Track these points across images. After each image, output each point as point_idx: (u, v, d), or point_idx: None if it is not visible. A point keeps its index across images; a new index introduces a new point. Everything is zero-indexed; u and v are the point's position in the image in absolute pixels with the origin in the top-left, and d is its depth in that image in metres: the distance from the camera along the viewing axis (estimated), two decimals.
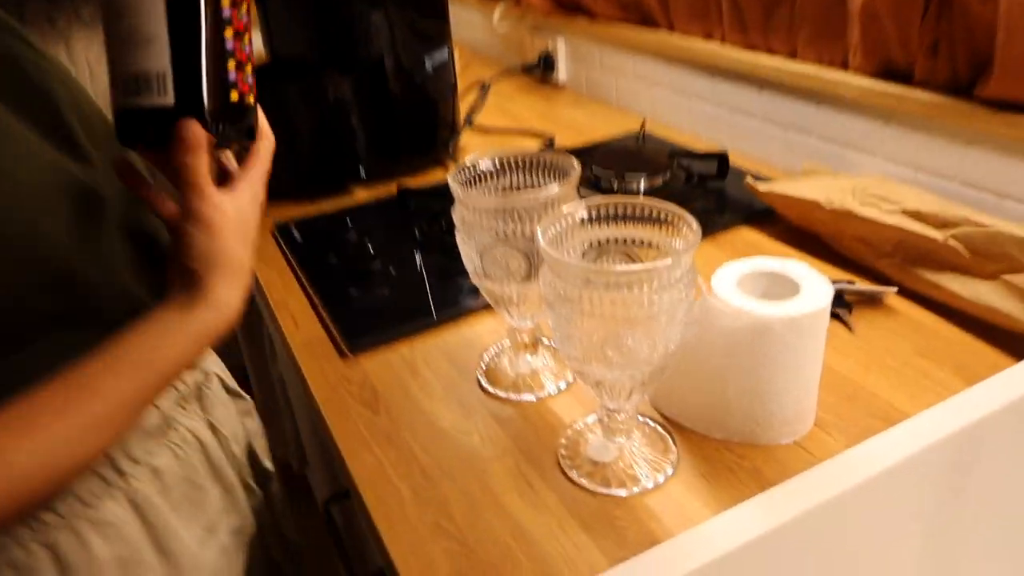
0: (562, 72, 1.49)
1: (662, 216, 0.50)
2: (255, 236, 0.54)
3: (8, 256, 0.46)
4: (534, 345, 0.67)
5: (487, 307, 0.76)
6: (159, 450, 0.62)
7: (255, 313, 1.05)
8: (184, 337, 0.49)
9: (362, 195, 1.08)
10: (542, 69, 1.51)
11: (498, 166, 0.62)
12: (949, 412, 0.57)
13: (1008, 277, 0.65)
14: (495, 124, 1.30)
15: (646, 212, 0.51)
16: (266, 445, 0.77)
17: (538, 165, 0.62)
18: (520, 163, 0.62)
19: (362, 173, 1.09)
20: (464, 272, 0.62)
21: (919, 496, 0.57)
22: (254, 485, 0.73)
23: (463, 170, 0.60)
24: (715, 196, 0.98)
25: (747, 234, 0.89)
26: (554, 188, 0.56)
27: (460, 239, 0.60)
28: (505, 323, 0.66)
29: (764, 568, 0.50)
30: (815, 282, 0.56)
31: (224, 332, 0.51)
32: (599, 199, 0.52)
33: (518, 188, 0.62)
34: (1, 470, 0.43)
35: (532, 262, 0.58)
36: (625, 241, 0.53)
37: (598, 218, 0.52)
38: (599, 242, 0.53)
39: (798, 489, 0.52)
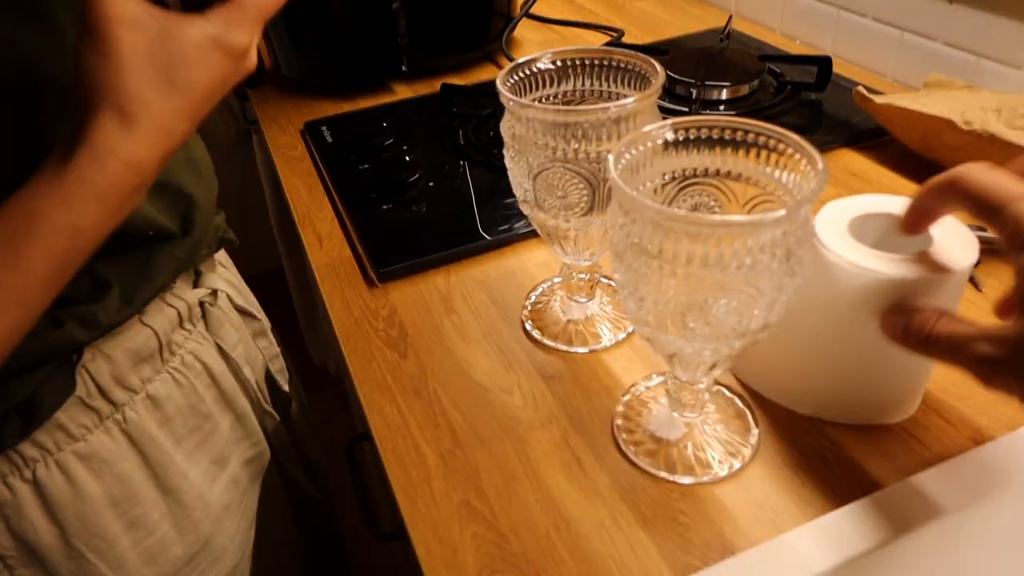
0: None
1: (777, 147, 0.38)
2: (193, 91, 0.40)
3: None
4: (591, 287, 0.56)
5: (536, 235, 0.65)
6: (157, 377, 0.55)
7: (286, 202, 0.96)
8: (62, 196, 0.37)
9: (403, 92, 0.96)
10: None
11: (559, 66, 0.50)
12: None
13: None
14: (556, 15, 1.15)
15: (754, 138, 0.39)
16: (283, 366, 0.70)
17: (610, 68, 0.49)
18: (587, 65, 0.50)
19: (404, 67, 0.96)
20: (507, 191, 0.51)
21: None
22: (271, 410, 0.67)
23: (515, 70, 0.48)
24: (811, 110, 0.83)
25: (851, 159, 0.75)
26: (630, 100, 0.44)
27: (508, 158, 0.49)
28: (558, 258, 0.55)
29: None
30: (952, 231, 0.44)
31: (118, 193, 0.38)
32: (690, 119, 0.40)
33: (583, 97, 0.50)
34: None
35: (597, 192, 0.46)
36: (719, 173, 0.41)
37: (687, 142, 0.40)
38: (686, 174, 0.41)
39: (916, 492, 0.41)
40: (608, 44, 1.02)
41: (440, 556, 0.42)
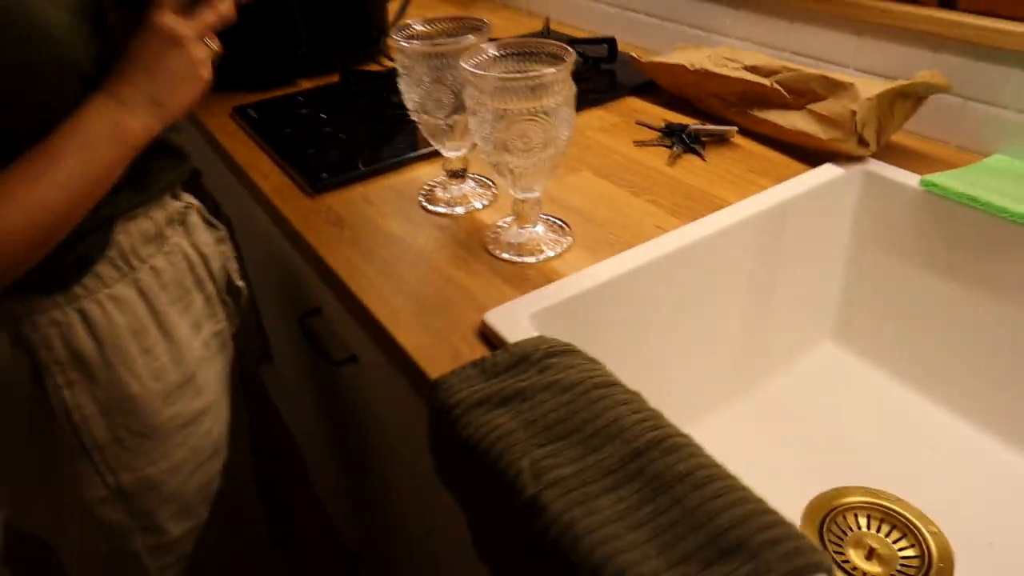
0: None
1: (553, 52, 0.70)
2: (170, 78, 0.66)
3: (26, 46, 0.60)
4: (463, 174, 0.86)
5: (421, 158, 0.95)
6: (157, 254, 0.78)
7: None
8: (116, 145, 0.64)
9: (306, 85, 1.24)
10: None
11: (427, 27, 0.80)
12: (763, 198, 0.81)
13: (811, 106, 0.87)
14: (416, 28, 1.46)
15: (542, 49, 0.70)
16: (237, 268, 0.94)
17: (458, 25, 0.80)
18: (443, 24, 0.80)
19: (304, 68, 1.24)
20: (403, 133, 0.79)
21: (744, 252, 0.80)
22: (228, 299, 0.91)
23: (404, 28, 0.78)
24: (607, 75, 1.18)
25: (633, 102, 1.10)
26: (471, 38, 0.75)
27: (402, 83, 0.78)
28: (439, 162, 0.85)
29: (631, 296, 0.72)
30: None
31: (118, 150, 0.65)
32: (506, 40, 0.71)
33: (440, 41, 0.81)
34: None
35: (458, 97, 0.76)
36: (518, 72, 0.72)
37: (505, 56, 0.72)
38: (507, 72, 0.72)
39: (655, 245, 0.74)
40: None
41: (386, 312, 0.70)
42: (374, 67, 1.29)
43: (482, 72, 0.67)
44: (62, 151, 0.62)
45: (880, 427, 0.85)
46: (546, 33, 1.34)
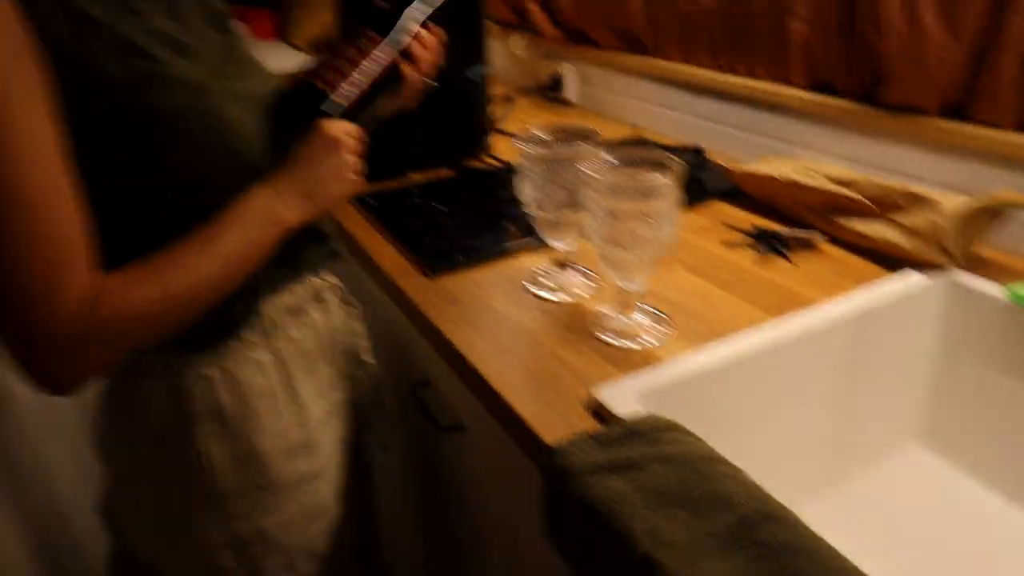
0: (570, 91, 1.80)
1: (661, 160, 0.79)
2: (323, 180, 0.78)
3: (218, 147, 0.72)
4: (569, 263, 0.95)
5: (528, 248, 1.05)
6: (295, 325, 0.87)
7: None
8: (269, 228, 0.75)
9: (416, 178, 1.37)
10: (552, 88, 1.82)
11: (543, 132, 0.91)
12: (850, 300, 0.87)
13: (894, 216, 0.94)
14: (516, 130, 1.60)
15: (652, 156, 0.80)
16: (367, 345, 1.03)
17: (572, 132, 0.91)
18: (560, 133, 0.91)
19: (416, 162, 1.38)
20: (511, 224, 0.89)
21: (832, 351, 0.85)
22: (353, 372, 1.00)
23: (526, 134, 0.89)
24: (694, 180, 1.27)
25: (720, 206, 1.18)
26: (584, 145, 0.85)
27: (520, 181, 0.88)
28: (546, 252, 0.94)
29: (725, 385, 0.78)
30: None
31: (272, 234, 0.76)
32: (620, 148, 0.81)
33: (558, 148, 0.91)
34: (162, 290, 0.68)
35: (570, 195, 0.86)
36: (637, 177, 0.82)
37: (618, 161, 0.81)
38: (619, 176, 0.82)
39: (748, 339, 0.80)
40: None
41: (499, 381, 0.77)
42: (478, 164, 1.42)
43: (599, 176, 0.77)
44: (225, 231, 0.72)
45: (967, 533, 0.86)
46: (633, 141, 1.46)
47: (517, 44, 1.90)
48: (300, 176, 0.77)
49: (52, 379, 0.62)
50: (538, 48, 1.87)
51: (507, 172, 1.31)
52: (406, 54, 0.86)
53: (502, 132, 1.58)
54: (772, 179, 1.08)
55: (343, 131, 0.79)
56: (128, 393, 0.79)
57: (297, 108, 0.79)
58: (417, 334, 0.96)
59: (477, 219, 1.15)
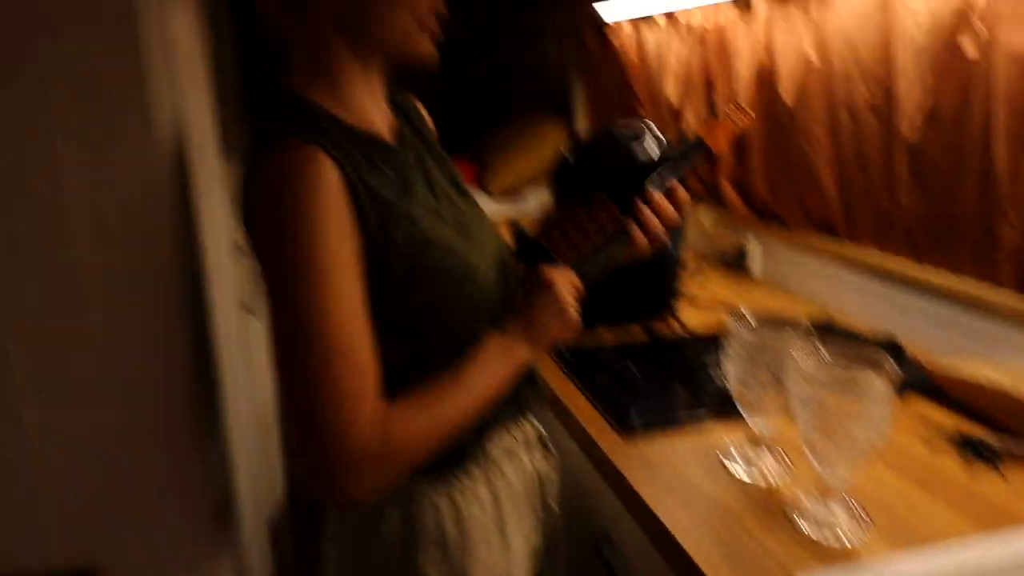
0: (755, 266, 1.86)
1: (874, 357, 0.83)
2: (547, 325, 0.87)
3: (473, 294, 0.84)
4: (764, 443, 0.98)
5: (724, 420, 1.08)
6: (510, 465, 0.95)
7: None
8: (506, 364, 0.85)
9: (607, 336, 1.46)
10: (737, 261, 1.89)
11: (752, 316, 0.97)
12: None
13: None
14: (703, 299, 1.67)
15: (864, 352, 0.84)
16: (556, 493, 1.09)
17: (778, 318, 0.96)
18: (767, 316, 0.97)
19: (607, 320, 1.47)
20: (706, 393, 0.94)
21: None
22: (544, 518, 1.06)
23: (736, 315, 0.96)
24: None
25: (919, 402, 1.17)
26: (792, 335, 0.90)
27: (727, 360, 0.94)
28: (741, 427, 0.98)
29: None
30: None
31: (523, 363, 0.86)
32: (834, 344, 0.85)
33: (763, 332, 0.97)
34: (433, 419, 0.78)
35: (775, 378, 0.90)
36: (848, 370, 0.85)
37: (830, 353, 0.85)
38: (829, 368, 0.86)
39: (958, 552, 0.78)
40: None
41: (699, 555, 0.80)
42: (666, 328, 1.49)
43: (810, 367, 0.81)
44: (474, 369, 0.83)
45: None
46: (825, 323, 1.48)
47: (706, 216, 2.01)
48: (525, 317, 0.87)
49: (345, 495, 0.73)
50: (725, 220, 1.97)
51: (695, 340, 1.37)
52: (637, 218, 0.91)
53: (689, 298, 1.66)
54: (981, 387, 1.07)
55: (560, 275, 0.89)
56: (367, 513, 0.89)
57: (525, 262, 0.90)
58: (602, 489, 1.01)
59: (669, 384, 1.21)
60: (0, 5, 0.78)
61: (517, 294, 0.90)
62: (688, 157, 0.94)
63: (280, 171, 0.71)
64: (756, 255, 1.86)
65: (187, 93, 1.10)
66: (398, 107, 0.93)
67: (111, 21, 0.83)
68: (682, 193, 0.94)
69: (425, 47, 0.82)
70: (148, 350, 0.92)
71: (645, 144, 1.36)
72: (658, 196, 0.92)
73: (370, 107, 0.84)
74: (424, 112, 1.01)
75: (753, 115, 0.94)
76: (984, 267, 1.26)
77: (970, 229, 1.26)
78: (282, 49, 0.82)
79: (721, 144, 0.93)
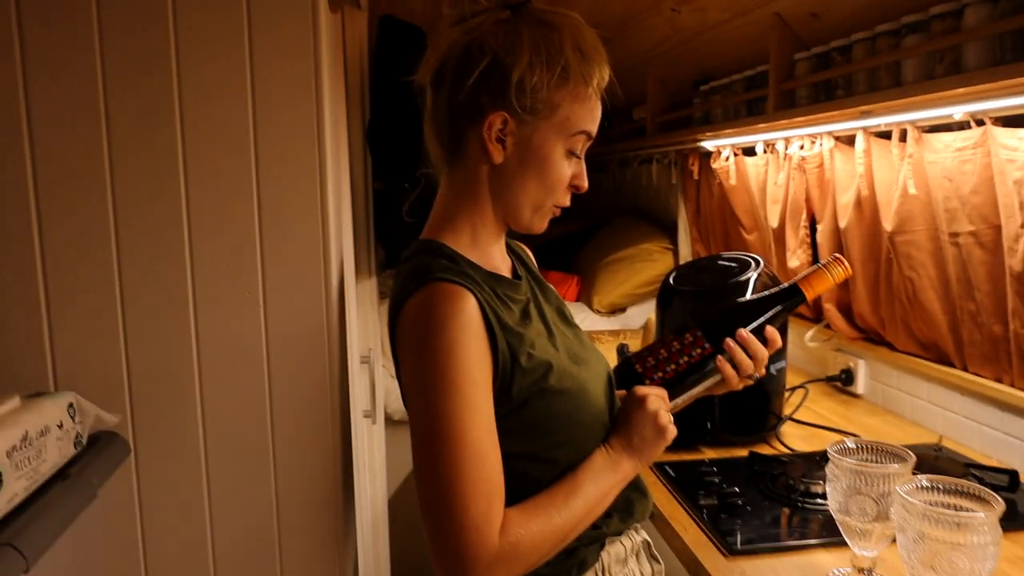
0: (860, 386, 1.85)
1: (979, 494, 0.84)
2: (645, 436, 0.93)
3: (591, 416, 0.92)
4: (870, 572, 0.99)
5: (827, 546, 1.09)
6: (620, 573, 0.99)
7: None
8: (613, 475, 0.91)
9: (709, 454, 1.49)
10: (843, 381, 1.89)
11: (855, 444, 1.00)
12: None
13: None
14: (806, 419, 1.68)
15: (966, 488, 0.86)
16: None
17: (882, 449, 0.99)
18: (869, 447, 1.00)
19: (710, 438, 1.51)
20: (806, 518, 0.97)
21: None
22: None
23: (838, 444, 0.99)
24: (1008, 504, 1.24)
25: None
26: (896, 466, 0.93)
27: (830, 487, 0.97)
28: (845, 553, 0.99)
29: None
30: None
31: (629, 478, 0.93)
32: (937, 477, 0.88)
33: (868, 461, 0.99)
34: (548, 525, 0.84)
35: (880, 507, 0.93)
36: (946, 505, 0.87)
37: (931, 487, 0.88)
38: (930, 503, 0.88)
39: None
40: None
41: None
42: (769, 449, 1.51)
43: (915, 501, 0.84)
44: (586, 480, 0.90)
45: None
46: (939, 449, 1.46)
47: (813, 338, 2.03)
48: (625, 432, 0.94)
49: None
50: (831, 341, 1.98)
51: (798, 461, 1.38)
52: (727, 353, 0.99)
53: (793, 420, 1.67)
54: None
55: (651, 392, 0.96)
56: None
57: (621, 381, 0.98)
58: None
59: (771, 505, 1.23)
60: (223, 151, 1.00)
61: (619, 412, 0.98)
62: (782, 301, 1.01)
63: (431, 303, 0.84)
64: (862, 375, 1.86)
65: (344, 229, 1.28)
66: (512, 251, 1.06)
67: (303, 172, 1.01)
68: (772, 333, 1.01)
69: (539, 226, 0.96)
70: (304, 446, 1.06)
71: (746, 277, 1.44)
72: (747, 334, 0.99)
73: (496, 252, 0.98)
74: (531, 255, 1.14)
75: (851, 269, 0.98)
76: None
77: None
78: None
79: (817, 292, 1.00)
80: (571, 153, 0.92)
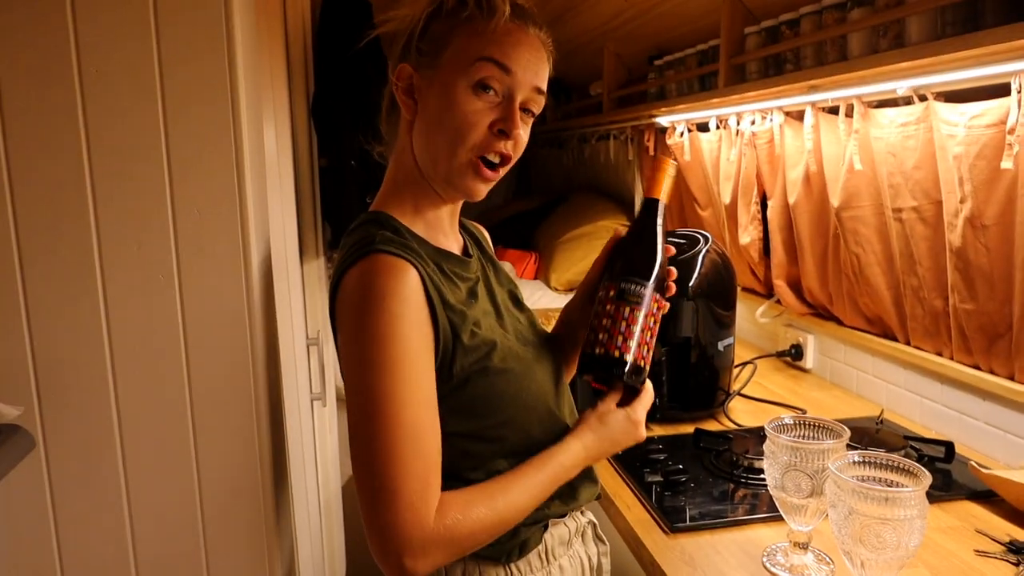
0: (809, 360, 1.87)
1: (909, 468, 0.85)
2: (617, 441, 0.94)
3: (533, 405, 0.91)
4: (806, 546, 1.00)
5: (765, 520, 1.10)
6: (566, 556, 0.99)
7: None
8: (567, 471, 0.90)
9: (657, 431, 1.49)
10: (793, 355, 1.90)
11: (792, 420, 1.01)
12: None
13: None
14: (755, 394, 1.69)
15: (896, 463, 0.86)
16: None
17: (820, 426, 0.99)
18: (807, 423, 1.00)
19: (659, 415, 1.51)
20: (748, 493, 0.97)
21: None
22: None
23: (775, 421, 1.00)
24: (943, 474, 1.26)
25: (969, 507, 1.16)
26: (831, 442, 0.93)
27: (767, 463, 0.98)
28: (782, 528, 1.00)
29: None
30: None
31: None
32: (869, 452, 0.88)
33: (805, 438, 1.00)
34: (491, 510, 0.83)
35: (815, 483, 0.93)
36: (877, 479, 0.88)
37: (864, 462, 0.88)
38: (862, 477, 0.88)
39: None
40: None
41: None
42: (716, 425, 1.52)
43: (846, 477, 0.84)
44: (540, 471, 0.89)
45: None
46: (879, 422, 1.48)
47: (764, 313, 2.04)
48: (601, 434, 0.93)
49: (406, 570, 0.79)
50: (781, 317, 2.00)
51: (744, 435, 1.39)
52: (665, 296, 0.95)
53: (742, 395, 1.68)
54: None
55: (645, 406, 0.95)
56: None
57: (600, 373, 0.94)
58: None
59: (715, 481, 1.24)
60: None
61: (603, 416, 0.94)
62: (653, 217, 0.95)
63: (371, 275, 0.81)
64: (811, 351, 1.88)
65: (273, 204, 1.24)
66: (466, 230, 1.04)
67: (216, 141, 0.97)
68: (669, 249, 0.97)
69: (471, 185, 0.89)
70: (227, 434, 1.03)
71: (695, 252, 1.43)
72: (672, 270, 0.97)
73: (445, 227, 0.96)
74: (488, 237, 1.11)
75: (670, 159, 0.94)
76: None
77: (1022, 334, 1.27)
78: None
79: (664, 189, 0.95)
80: (480, 86, 0.85)
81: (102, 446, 0.95)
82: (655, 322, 0.94)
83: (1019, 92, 1.11)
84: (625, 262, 0.94)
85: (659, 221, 0.94)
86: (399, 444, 0.79)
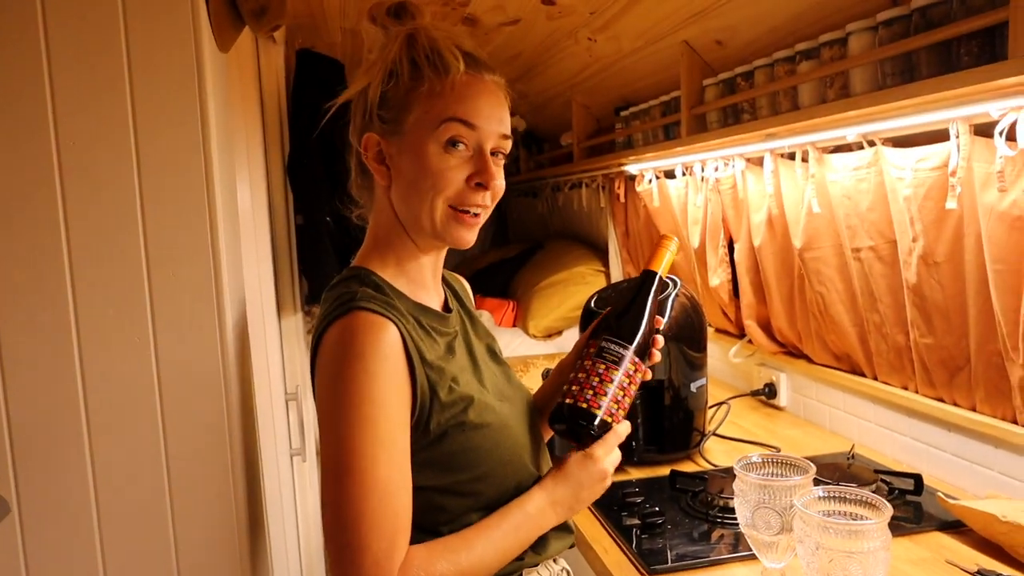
0: (783, 398, 1.90)
1: (872, 502, 0.88)
2: (584, 486, 0.94)
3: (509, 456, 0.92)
4: None
5: (740, 559, 1.12)
6: None
7: None
8: (539, 526, 0.92)
9: (634, 474, 1.51)
10: (766, 394, 1.94)
11: (761, 459, 1.03)
12: None
13: None
14: (730, 434, 1.72)
15: (860, 497, 0.89)
16: None
17: (788, 463, 1.02)
18: (776, 461, 1.03)
19: (635, 458, 1.53)
20: (723, 532, 0.99)
21: None
22: None
23: (744, 459, 1.02)
24: (912, 507, 1.29)
25: (939, 538, 1.18)
26: (798, 479, 0.96)
27: (737, 502, 1.00)
28: (756, 565, 1.02)
29: None
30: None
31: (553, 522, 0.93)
32: (832, 488, 0.91)
33: (774, 475, 1.02)
34: (454, 567, 0.84)
35: (784, 520, 0.95)
36: (843, 513, 0.90)
37: (829, 497, 0.91)
38: (828, 512, 0.91)
39: None
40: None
41: None
42: (692, 466, 1.53)
43: (811, 513, 0.87)
44: (504, 525, 0.90)
45: None
46: (851, 457, 1.50)
47: (737, 353, 2.08)
48: (573, 494, 0.94)
49: None
50: (754, 356, 2.04)
51: (717, 476, 1.41)
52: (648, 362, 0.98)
53: (718, 435, 1.70)
54: (995, 519, 1.09)
55: (613, 461, 0.96)
56: None
57: (569, 425, 0.95)
58: None
59: (692, 522, 1.25)
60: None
61: (573, 467, 0.95)
62: (648, 288, 0.99)
63: (351, 332, 0.83)
64: (784, 389, 1.91)
65: (248, 261, 1.27)
66: (447, 284, 1.06)
67: (189, 192, 1.00)
68: (658, 322, 1.02)
69: (456, 234, 0.92)
70: (204, 493, 1.03)
71: (664, 296, 1.47)
72: (660, 338, 1.01)
73: (427, 282, 0.98)
74: (469, 289, 1.14)
75: (673, 237, 1.02)
76: (1000, 405, 1.29)
77: (983, 369, 1.31)
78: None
79: (663, 265, 1.00)
80: (451, 144, 0.88)
81: (78, 510, 0.95)
82: (631, 384, 0.96)
83: (957, 137, 1.17)
84: (612, 324, 0.98)
85: (652, 292, 0.99)
86: (369, 501, 0.80)
